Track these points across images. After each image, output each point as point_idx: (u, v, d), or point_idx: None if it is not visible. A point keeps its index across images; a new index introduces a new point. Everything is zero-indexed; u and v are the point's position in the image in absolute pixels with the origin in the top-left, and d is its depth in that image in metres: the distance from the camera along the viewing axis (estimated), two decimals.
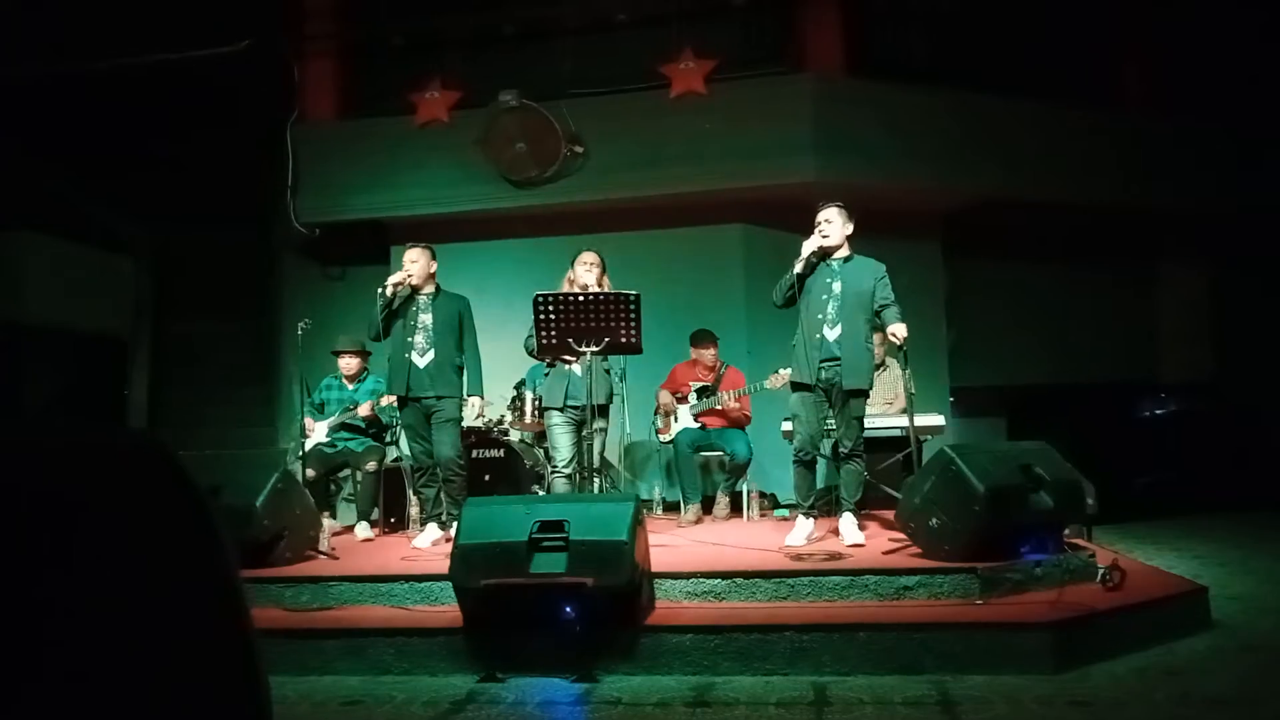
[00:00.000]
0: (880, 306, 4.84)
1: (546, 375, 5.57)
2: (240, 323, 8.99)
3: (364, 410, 6.17)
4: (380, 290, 5.34)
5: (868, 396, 4.99)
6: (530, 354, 5.61)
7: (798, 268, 4.85)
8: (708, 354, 6.63)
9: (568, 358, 5.30)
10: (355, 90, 8.39)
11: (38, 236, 7.90)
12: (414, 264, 5.38)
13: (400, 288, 5.36)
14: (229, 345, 8.92)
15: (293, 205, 8.01)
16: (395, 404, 5.65)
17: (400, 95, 7.90)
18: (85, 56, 7.70)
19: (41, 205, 8.08)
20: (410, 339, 5.38)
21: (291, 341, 6.98)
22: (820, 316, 4.84)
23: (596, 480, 5.28)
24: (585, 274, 5.34)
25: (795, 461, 4.95)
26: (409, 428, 5.48)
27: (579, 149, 7.46)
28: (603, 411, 5.33)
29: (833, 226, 4.84)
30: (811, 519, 4.93)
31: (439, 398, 5.35)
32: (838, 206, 4.90)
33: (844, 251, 4.91)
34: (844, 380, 4.77)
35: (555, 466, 5.45)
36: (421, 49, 8.07)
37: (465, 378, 5.51)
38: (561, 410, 5.39)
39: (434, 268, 5.48)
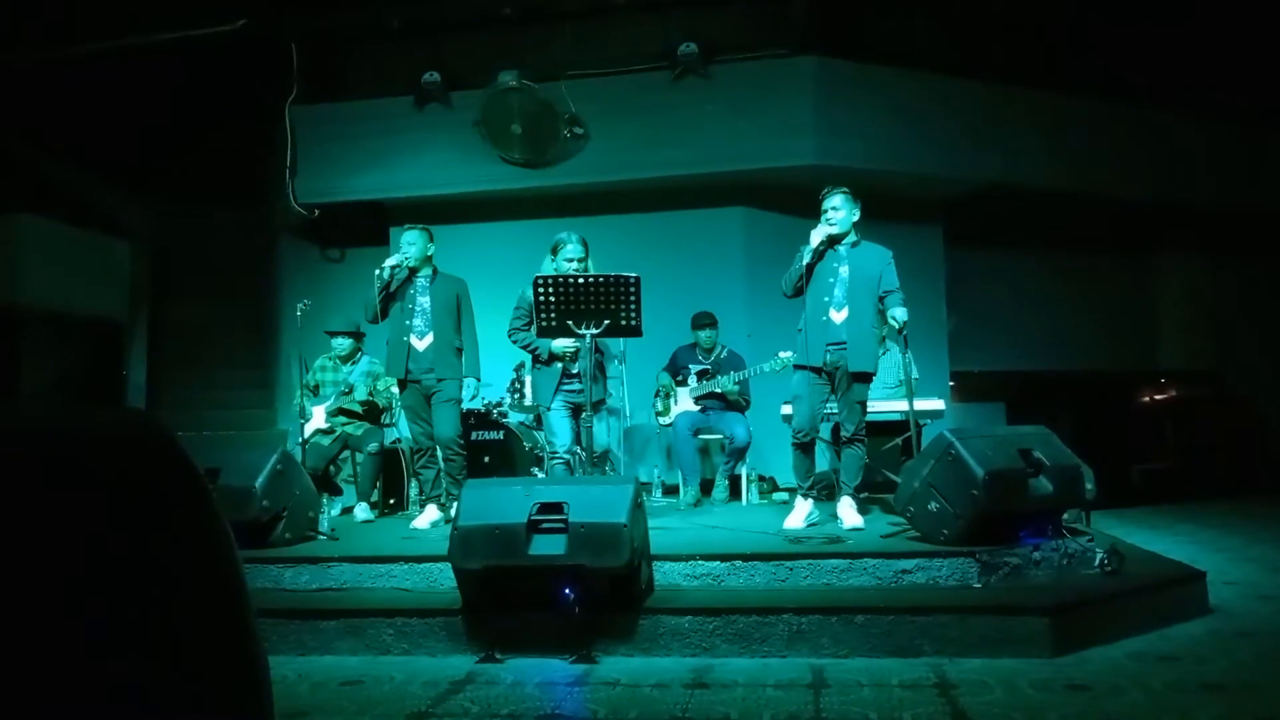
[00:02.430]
0: (885, 292, 4.82)
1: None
2: (239, 304, 8.97)
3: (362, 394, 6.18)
4: (377, 273, 5.30)
5: (871, 380, 4.98)
6: (523, 346, 5.38)
7: (807, 258, 4.80)
8: (705, 336, 6.63)
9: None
10: (354, 71, 8.34)
11: (36, 219, 7.88)
12: (411, 246, 5.36)
13: (397, 270, 5.34)
14: (228, 327, 8.91)
15: (291, 186, 7.98)
16: (397, 387, 5.63)
17: (400, 76, 7.86)
18: (81, 37, 7.64)
19: (40, 188, 8.05)
20: (409, 321, 5.36)
21: (290, 323, 6.96)
22: (827, 300, 4.81)
23: (596, 464, 5.25)
24: (569, 267, 5.16)
25: (794, 444, 4.95)
26: (409, 409, 5.47)
27: (579, 131, 7.42)
28: (598, 405, 5.27)
29: (840, 214, 4.80)
30: (810, 502, 4.94)
31: (439, 379, 5.33)
32: (843, 193, 4.84)
33: (851, 236, 4.88)
34: (849, 363, 4.76)
35: (555, 451, 5.42)
36: (421, 29, 8.01)
37: (464, 359, 5.49)
38: (559, 393, 5.36)
39: (431, 250, 5.45)
